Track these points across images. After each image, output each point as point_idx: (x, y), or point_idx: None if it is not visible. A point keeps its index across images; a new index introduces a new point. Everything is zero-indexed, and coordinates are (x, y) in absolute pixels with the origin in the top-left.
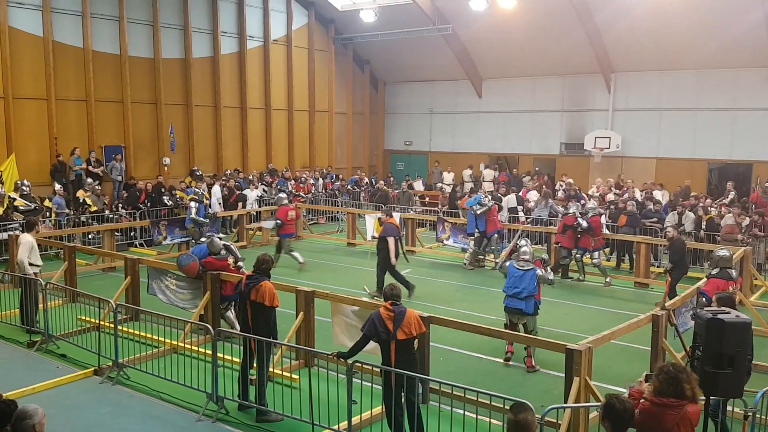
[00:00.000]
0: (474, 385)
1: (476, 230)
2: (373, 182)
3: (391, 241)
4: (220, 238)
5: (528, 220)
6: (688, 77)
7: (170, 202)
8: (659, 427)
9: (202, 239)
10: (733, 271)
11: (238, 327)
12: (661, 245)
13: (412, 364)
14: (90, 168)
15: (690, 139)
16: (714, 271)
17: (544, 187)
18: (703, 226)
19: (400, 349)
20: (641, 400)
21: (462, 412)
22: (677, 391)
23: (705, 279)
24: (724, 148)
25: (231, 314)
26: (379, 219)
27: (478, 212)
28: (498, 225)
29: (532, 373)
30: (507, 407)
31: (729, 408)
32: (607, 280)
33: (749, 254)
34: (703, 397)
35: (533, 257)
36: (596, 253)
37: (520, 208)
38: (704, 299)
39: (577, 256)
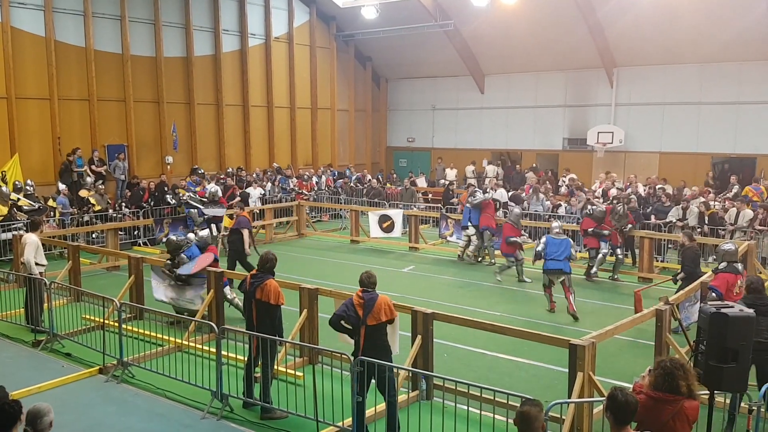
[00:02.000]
0: (478, 381)
1: (469, 223)
2: (379, 179)
3: (245, 233)
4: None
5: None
6: (692, 71)
7: (173, 201)
8: (654, 421)
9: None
10: (739, 265)
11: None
12: (664, 240)
13: (381, 349)
14: (93, 167)
15: (693, 134)
16: (721, 266)
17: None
18: (706, 221)
19: (369, 334)
20: (640, 394)
21: (466, 408)
22: (672, 386)
23: (711, 273)
24: (727, 142)
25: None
26: (232, 215)
27: (474, 202)
28: (491, 222)
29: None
30: (511, 403)
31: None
32: (616, 277)
33: (753, 248)
34: (705, 393)
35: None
36: (618, 250)
37: (507, 202)
38: (714, 294)
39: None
